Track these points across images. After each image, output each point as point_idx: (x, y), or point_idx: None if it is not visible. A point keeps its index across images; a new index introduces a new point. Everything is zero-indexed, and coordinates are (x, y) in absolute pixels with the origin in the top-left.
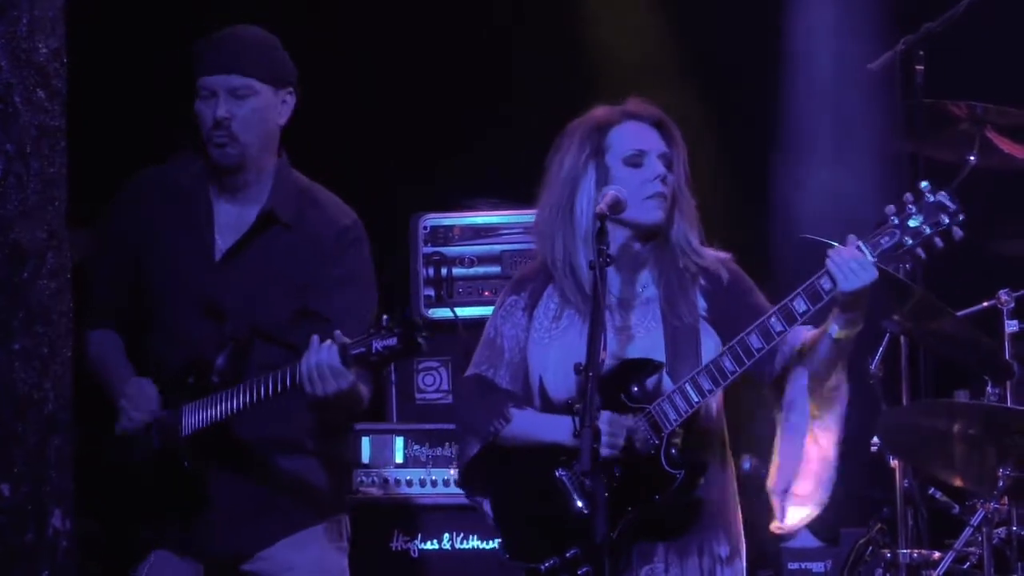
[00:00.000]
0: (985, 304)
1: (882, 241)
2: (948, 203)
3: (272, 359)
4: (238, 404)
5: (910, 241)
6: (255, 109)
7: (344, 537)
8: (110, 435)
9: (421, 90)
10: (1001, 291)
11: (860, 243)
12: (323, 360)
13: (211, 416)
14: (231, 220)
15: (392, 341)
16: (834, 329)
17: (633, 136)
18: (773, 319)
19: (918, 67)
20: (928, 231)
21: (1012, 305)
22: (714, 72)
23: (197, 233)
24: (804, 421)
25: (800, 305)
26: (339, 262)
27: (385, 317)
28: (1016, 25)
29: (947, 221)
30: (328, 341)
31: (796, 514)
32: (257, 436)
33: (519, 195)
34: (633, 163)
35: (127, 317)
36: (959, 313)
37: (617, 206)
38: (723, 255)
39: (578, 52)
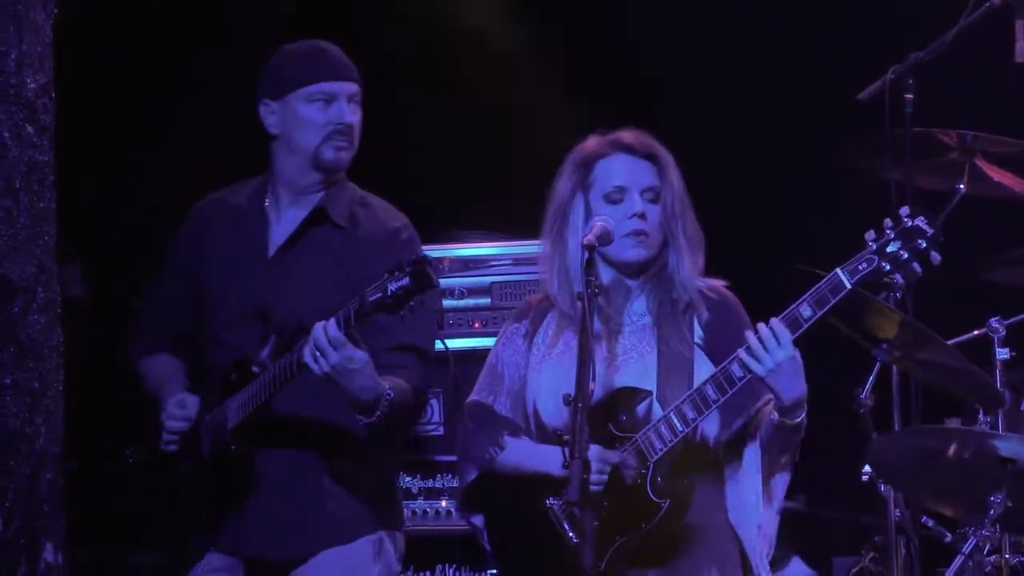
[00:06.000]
0: (976, 332)
1: (860, 267)
2: (925, 227)
3: None
4: (267, 384)
5: (888, 266)
6: (361, 117)
7: (393, 556)
8: (161, 454)
9: (411, 123)
10: (992, 319)
11: (778, 324)
12: (318, 335)
13: (249, 401)
14: (288, 224)
15: (405, 280)
16: (774, 415)
17: (615, 171)
18: None
19: (907, 96)
20: (906, 256)
21: (1003, 333)
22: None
23: (251, 242)
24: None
25: None
26: (392, 261)
27: (397, 261)
28: (1005, 53)
29: (924, 245)
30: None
31: None
32: (304, 437)
33: (508, 226)
34: (612, 199)
35: (188, 340)
36: (950, 342)
37: (605, 237)
38: (719, 283)
39: (572, 82)
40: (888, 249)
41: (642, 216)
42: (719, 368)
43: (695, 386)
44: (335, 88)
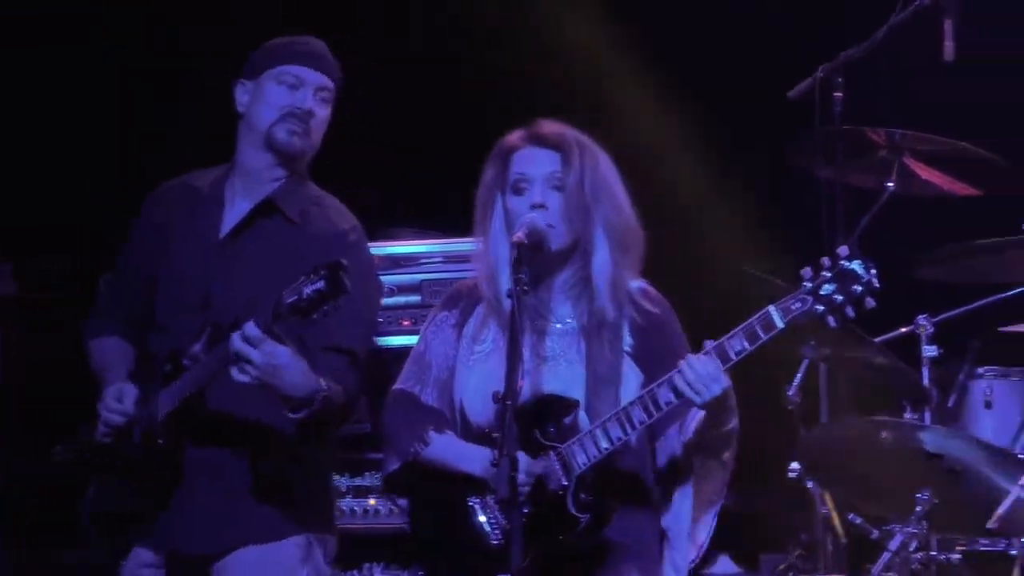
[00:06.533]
0: (904, 330)
1: (793, 306)
2: (862, 272)
3: None
4: (196, 378)
5: (821, 308)
6: (326, 118)
7: (321, 560)
8: (95, 444)
9: (341, 120)
10: (919, 316)
11: (711, 350)
12: (234, 340)
13: (178, 394)
14: (240, 212)
15: (320, 284)
16: (704, 426)
17: (522, 162)
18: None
19: (837, 94)
20: (840, 299)
21: (931, 330)
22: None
23: (204, 226)
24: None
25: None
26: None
27: (314, 264)
28: (933, 52)
29: (860, 291)
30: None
31: None
32: (235, 430)
33: (439, 224)
34: (517, 189)
35: (139, 324)
36: (878, 339)
37: (535, 234)
38: (652, 289)
39: (497, 79)
40: (822, 291)
41: (541, 205)
42: (646, 390)
43: (623, 399)
44: (304, 74)
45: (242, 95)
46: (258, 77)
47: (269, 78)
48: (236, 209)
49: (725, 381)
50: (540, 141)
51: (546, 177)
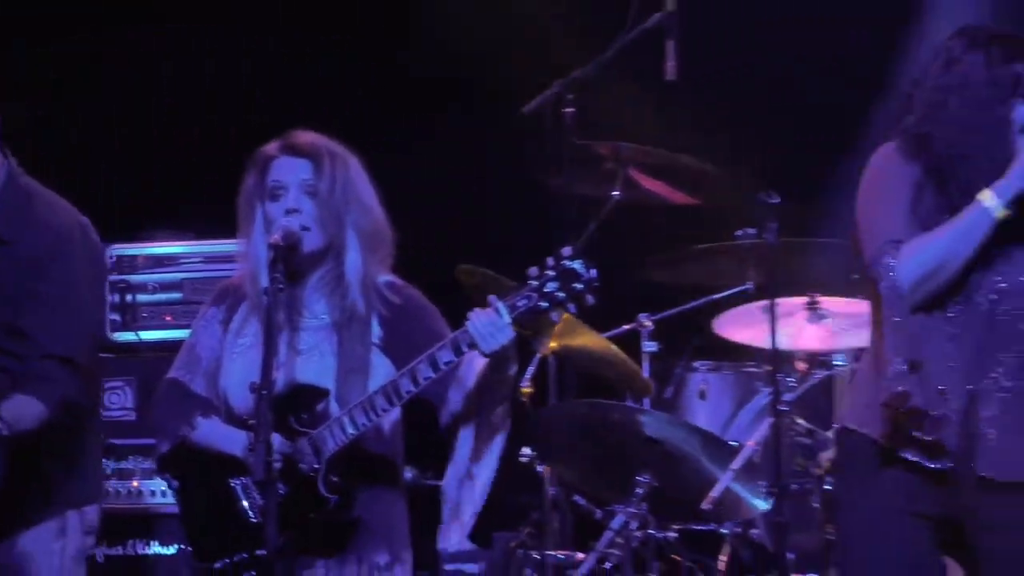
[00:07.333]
0: (627, 327)
1: (518, 303)
2: (582, 271)
3: None
4: None
5: (545, 304)
6: None
7: (80, 531)
8: None
9: (106, 124)
10: (641, 315)
11: (499, 304)
12: None
13: None
14: None
15: None
16: (486, 372)
17: (278, 170)
18: (422, 365)
19: (567, 110)
20: (562, 296)
21: (651, 328)
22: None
23: None
24: (466, 458)
25: (445, 355)
26: (46, 273)
27: None
28: (655, 72)
29: (580, 288)
30: None
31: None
32: None
33: (199, 226)
34: (273, 196)
35: None
36: (604, 334)
37: (290, 236)
38: (399, 282)
39: (267, 83)
40: (546, 288)
41: (296, 210)
42: (389, 381)
43: (371, 389)
44: None
45: None
46: None
47: None
48: None
49: (511, 332)
50: (294, 151)
51: (300, 184)
